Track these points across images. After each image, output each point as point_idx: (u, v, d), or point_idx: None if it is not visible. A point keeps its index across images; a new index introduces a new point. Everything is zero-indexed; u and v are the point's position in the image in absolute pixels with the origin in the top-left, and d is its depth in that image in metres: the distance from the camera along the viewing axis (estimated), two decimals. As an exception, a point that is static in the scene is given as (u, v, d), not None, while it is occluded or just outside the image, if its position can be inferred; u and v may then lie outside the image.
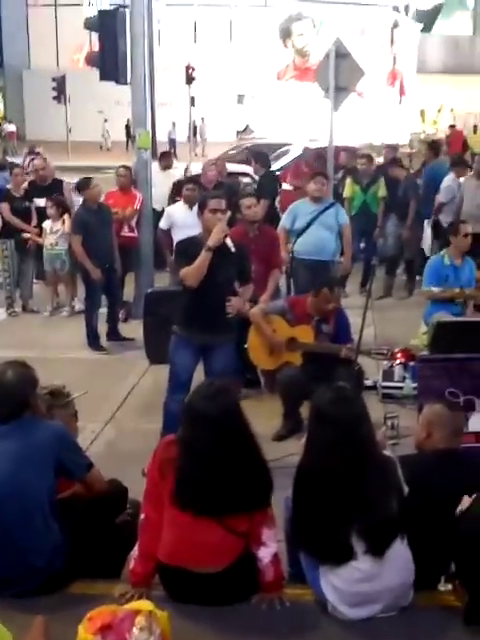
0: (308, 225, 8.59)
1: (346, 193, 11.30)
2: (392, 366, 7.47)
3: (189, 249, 5.88)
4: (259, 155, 12.46)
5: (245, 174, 14.12)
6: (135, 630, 3.14)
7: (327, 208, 8.69)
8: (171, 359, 6.10)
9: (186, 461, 3.70)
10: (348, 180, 11.36)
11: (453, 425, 4.12)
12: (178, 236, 7.86)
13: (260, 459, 3.78)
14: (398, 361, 7.50)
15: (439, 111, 44.45)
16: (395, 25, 42.65)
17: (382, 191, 11.11)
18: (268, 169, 12.10)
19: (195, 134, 37.91)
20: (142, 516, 3.83)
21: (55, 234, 10.24)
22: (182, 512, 3.66)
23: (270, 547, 3.75)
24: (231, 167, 13.52)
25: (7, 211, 10.38)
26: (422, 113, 44.25)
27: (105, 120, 38.77)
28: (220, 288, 5.81)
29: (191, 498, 3.65)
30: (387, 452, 3.95)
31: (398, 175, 11.36)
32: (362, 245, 11.32)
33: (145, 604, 3.36)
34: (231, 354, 6.13)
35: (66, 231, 10.06)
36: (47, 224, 10.31)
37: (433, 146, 12.97)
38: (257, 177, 12.20)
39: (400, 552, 3.63)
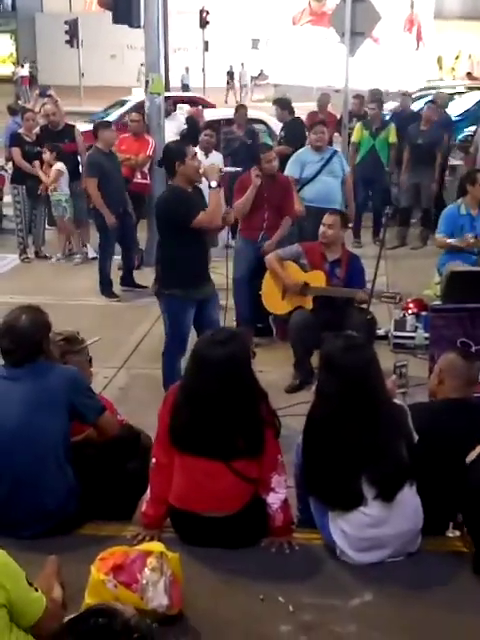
0: (317, 173, 8.61)
1: (354, 137, 11.17)
2: (404, 316, 7.46)
3: (185, 195, 5.80)
4: (283, 101, 12.19)
5: (260, 121, 13.88)
6: (146, 570, 3.18)
7: (331, 156, 8.73)
8: (179, 323, 5.93)
9: (185, 405, 3.72)
10: (357, 124, 11.21)
11: (466, 375, 4.12)
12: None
13: (262, 407, 3.77)
14: (410, 311, 7.49)
15: (457, 58, 43.50)
16: (412, -32, 41.66)
17: (392, 137, 10.93)
18: (293, 115, 11.86)
19: (231, 80, 37.01)
20: (153, 460, 3.86)
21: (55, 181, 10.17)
22: (192, 457, 3.70)
23: (279, 493, 3.79)
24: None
25: (18, 156, 10.31)
26: (439, 60, 43.26)
27: (141, 64, 37.27)
28: (205, 234, 5.86)
29: (187, 440, 3.69)
30: (397, 400, 3.97)
31: (431, 116, 11.06)
32: (369, 193, 11.16)
33: (156, 545, 3.41)
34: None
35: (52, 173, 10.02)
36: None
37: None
38: (281, 124, 11.87)
39: (409, 498, 3.66)
